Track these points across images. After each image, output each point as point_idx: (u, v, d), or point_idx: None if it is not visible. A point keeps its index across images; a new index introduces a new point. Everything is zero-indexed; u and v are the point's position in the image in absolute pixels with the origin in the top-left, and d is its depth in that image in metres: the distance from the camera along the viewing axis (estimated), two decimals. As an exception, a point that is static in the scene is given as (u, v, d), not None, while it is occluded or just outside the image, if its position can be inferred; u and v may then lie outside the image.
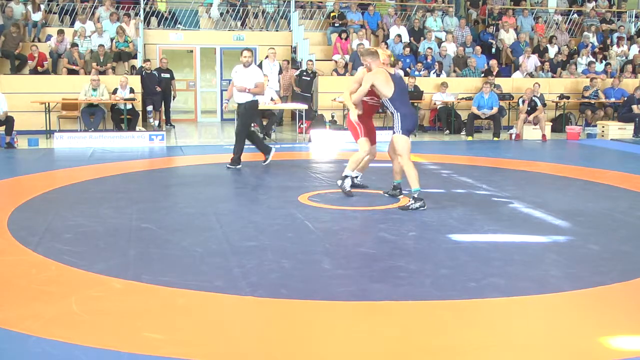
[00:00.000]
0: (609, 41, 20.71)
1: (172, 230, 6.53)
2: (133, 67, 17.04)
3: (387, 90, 7.58)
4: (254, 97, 10.64)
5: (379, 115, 17.04)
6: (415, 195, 7.46)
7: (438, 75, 17.69)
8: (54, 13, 18.57)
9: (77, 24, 17.34)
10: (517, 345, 3.92)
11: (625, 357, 3.74)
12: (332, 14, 19.46)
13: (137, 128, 15.29)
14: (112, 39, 17.20)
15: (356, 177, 8.62)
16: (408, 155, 7.58)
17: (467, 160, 12.09)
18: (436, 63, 17.88)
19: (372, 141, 8.31)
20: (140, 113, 16.01)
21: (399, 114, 7.57)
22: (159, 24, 19.13)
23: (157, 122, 16.72)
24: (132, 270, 5.21)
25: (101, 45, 16.43)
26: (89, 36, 16.93)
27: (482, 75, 17.86)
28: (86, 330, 4.03)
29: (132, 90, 15.24)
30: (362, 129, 8.12)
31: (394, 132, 7.65)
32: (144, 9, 18.78)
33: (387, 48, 17.63)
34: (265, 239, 6.19)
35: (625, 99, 17.11)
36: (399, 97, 7.62)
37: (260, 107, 14.28)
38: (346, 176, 8.18)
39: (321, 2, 20.44)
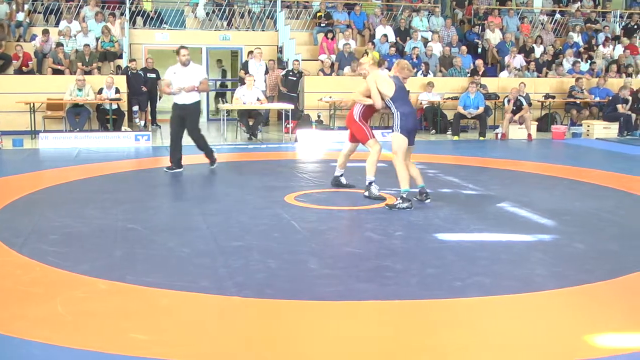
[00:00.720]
0: (593, 41, 20.81)
1: (157, 231, 6.51)
2: (119, 67, 16.96)
3: (388, 90, 7.67)
4: (199, 97, 10.36)
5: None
6: (404, 196, 7.47)
7: (424, 75, 17.72)
8: (39, 13, 18.45)
9: (63, 24, 17.23)
10: (502, 344, 3.93)
11: (610, 354, 3.76)
12: (318, 14, 19.45)
13: (123, 128, 15.23)
14: (97, 39, 17.12)
15: (341, 175, 8.64)
16: (402, 155, 7.60)
17: (453, 160, 12.12)
18: (423, 64, 17.90)
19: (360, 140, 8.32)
20: (126, 113, 15.95)
21: (399, 113, 7.61)
22: (144, 24, 19.06)
23: (143, 122, 16.65)
24: (117, 271, 5.19)
25: (86, 45, 16.35)
26: (74, 36, 16.84)
27: (468, 75, 17.91)
28: (71, 331, 4.01)
29: (117, 90, 15.17)
30: (368, 129, 8.12)
31: (392, 131, 7.69)
32: (130, 9, 18.71)
33: (373, 48, 17.65)
34: (252, 239, 6.18)
35: (610, 98, 17.21)
36: (400, 97, 7.69)
37: (247, 107, 14.33)
38: (370, 182, 8.04)
39: (307, 2, 20.42)
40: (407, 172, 7.57)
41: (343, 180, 8.64)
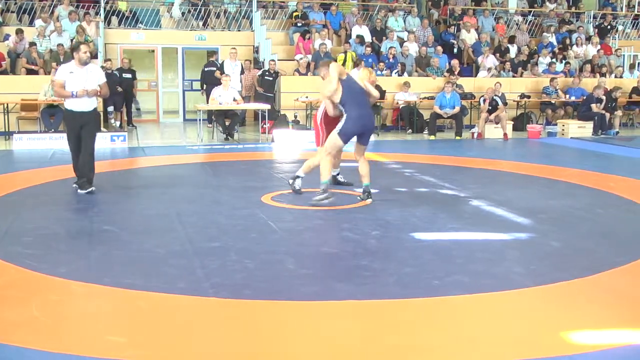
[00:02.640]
0: (567, 41, 20.98)
1: (134, 232, 6.47)
2: (94, 67, 16.81)
3: (332, 94, 7.67)
4: (97, 103, 8.77)
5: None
6: (323, 188, 7.62)
7: (400, 75, 17.76)
8: (12, 12, 18.27)
9: (38, 22, 17.05)
10: (481, 342, 3.95)
11: (586, 351, 3.80)
12: (294, 14, 19.44)
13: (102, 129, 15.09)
14: (72, 39, 16.95)
15: (337, 174, 8.69)
16: (331, 153, 7.74)
17: (429, 159, 12.16)
18: (399, 64, 17.95)
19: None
20: (102, 114, 15.82)
21: (345, 116, 7.65)
22: (119, 24, 18.94)
23: (118, 123, 16.55)
24: (93, 273, 5.15)
25: (60, 45, 16.17)
26: (49, 35, 16.69)
27: (444, 75, 17.99)
28: (47, 335, 3.97)
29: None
30: (324, 135, 8.12)
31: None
32: (105, 8, 18.57)
33: (349, 48, 17.68)
34: (229, 240, 6.16)
35: (585, 98, 17.37)
36: (349, 100, 7.67)
37: (223, 107, 14.29)
38: (297, 177, 8.29)
39: (283, 2, 20.41)
40: (329, 166, 7.73)
41: (340, 178, 8.72)
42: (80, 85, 8.24)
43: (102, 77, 8.57)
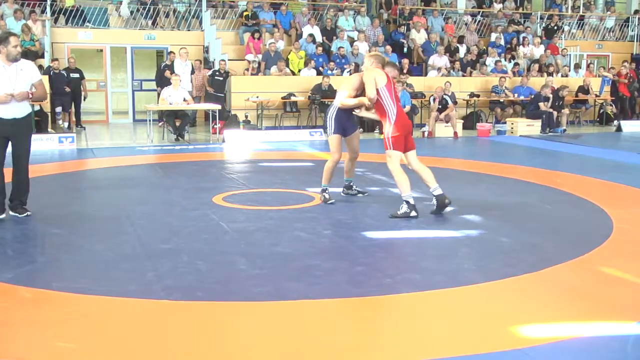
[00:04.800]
0: (515, 41, 21.28)
1: (83, 236, 6.37)
2: (40, 66, 16.48)
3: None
4: (31, 108, 7.29)
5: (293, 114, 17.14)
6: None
7: (351, 74, 17.80)
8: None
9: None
10: (433, 338, 3.99)
11: (536, 344, 3.86)
12: (244, 14, 19.36)
13: (50, 130, 14.84)
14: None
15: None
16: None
17: (380, 158, 12.16)
18: (352, 63, 18.01)
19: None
20: (49, 114, 15.56)
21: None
22: (67, 22, 18.62)
23: (66, 124, 16.29)
24: (42, 278, 5.07)
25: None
26: (-7, 35, 16.28)
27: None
28: (-7, 341, 3.89)
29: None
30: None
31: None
32: (51, 6, 18.24)
33: (300, 48, 17.67)
34: (180, 241, 6.11)
35: (533, 96, 17.66)
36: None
37: (173, 107, 14.16)
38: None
39: (233, 2, 20.31)
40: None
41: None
42: (8, 86, 6.69)
43: (37, 75, 7.02)
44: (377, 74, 7.28)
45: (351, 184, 8.28)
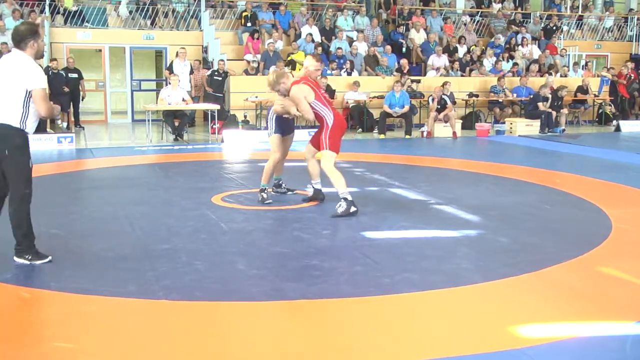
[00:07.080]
0: (513, 41, 21.29)
1: (82, 236, 6.36)
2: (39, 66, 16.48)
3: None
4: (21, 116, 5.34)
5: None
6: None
7: (349, 74, 17.83)
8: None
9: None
10: (431, 337, 3.99)
11: (534, 344, 3.86)
12: (243, 14, 19.35)
13: (49, 130, 14.81)
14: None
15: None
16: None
17: (379, 158, 12.23)
18: (348, 61, 18.01)
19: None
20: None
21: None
22: (65, 22, 18.60)
23: (65, 124, 16.28)
24: (41, 278, 5.07)
25: (4, 44, 15.81)
26: (-9, 35, 16.30)
27: (393, 74, 18.11)
28: (-8, 341, 3.89)
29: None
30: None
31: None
32: (50, 6, 18.22)
33: (298, 47, 17.66)
34: (179, 241, 6.11)
35: (532, 96, 17.67)
36: None
37: (172, 107, 14.16)
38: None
39: (232, 2, 20.30)
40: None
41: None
42: None
43: (33, 74, 5.47)
44: (305, 91, 7.39)
45: (280, 182, 8.40)
